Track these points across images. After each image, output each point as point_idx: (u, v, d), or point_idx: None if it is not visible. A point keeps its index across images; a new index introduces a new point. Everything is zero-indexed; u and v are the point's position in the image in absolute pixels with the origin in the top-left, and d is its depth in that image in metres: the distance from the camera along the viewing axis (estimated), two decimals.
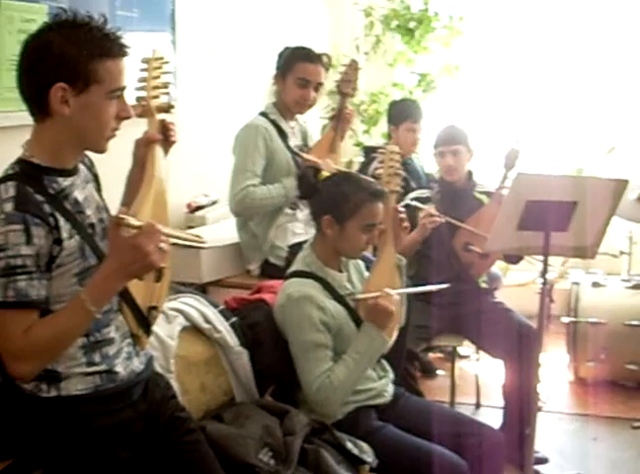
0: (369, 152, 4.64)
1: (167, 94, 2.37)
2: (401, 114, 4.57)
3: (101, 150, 2.06)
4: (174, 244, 2.15)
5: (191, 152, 4.11)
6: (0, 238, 1.85)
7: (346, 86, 3.96)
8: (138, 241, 1.87)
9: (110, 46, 1.96)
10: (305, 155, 3.74)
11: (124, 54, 2.00)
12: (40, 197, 1.91)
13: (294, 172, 3.74)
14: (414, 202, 3.71)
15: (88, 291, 1.91)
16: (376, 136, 5.73)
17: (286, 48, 3.92)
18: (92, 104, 1.95)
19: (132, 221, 1.89)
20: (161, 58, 2.33)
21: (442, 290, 2.98)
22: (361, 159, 4.90)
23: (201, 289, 3.68)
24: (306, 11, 5.84)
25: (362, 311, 2.81)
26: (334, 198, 2.78)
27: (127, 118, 2.04)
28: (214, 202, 4.44)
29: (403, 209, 3.04)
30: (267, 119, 3.81)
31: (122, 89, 2.01)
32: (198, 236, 2.27)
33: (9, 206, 1.86)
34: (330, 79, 4.23)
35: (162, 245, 1.91)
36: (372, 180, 2.94)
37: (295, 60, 3.78)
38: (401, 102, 4.91)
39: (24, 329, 1.87)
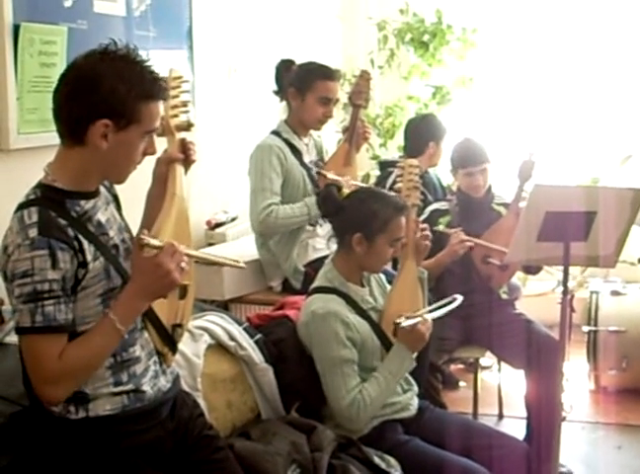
0: (385, 166, 4.64)
1: (187, 112, 2.38)
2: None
3: (121, 182, 2.10)
4: (213, 263, 2.20)
5: (210, 169, 4.13)
6: (26, 264, 1.85)
7: (357, 97, 3.94)
8: (159, 260, 1.92)
9: (157, 90, 1.99)
10: (329, 174, 3.67)
11: (165, 98, 2.06)
12: (63, 221, 1.92)
13: (312, 190, 3.75)
14: (442, 228, 3.70)
15: (115, 311, 1.94)
16: (393, 150, 5.74)
17: (285, 61, 3.92)
18: (128, 141, 1.97)
19: (153, 242, 1.94)
20: (179, 77, 2.34)
21: (462, 303, 2.98)
22: (378, 173, 4.90)
23: (224, 306, 3.70)
24: (320, 26, 5.87)
25: (385, 326, 2.83)
26: (362, 216, 2.78)
27: (152, 154, 2.09)
28: (234, 219, 4.46)
29: (424, 224, 3.07)
30: (279, 138, 3.79)
31: (156, 130, 2.05)
32: (236, 261, 2.25)
33: (33, 232, 1.86)
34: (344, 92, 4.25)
35: (183, 264, 1.96)
36: (393, 193, 2.96)
37: (316, 79, 3.74)
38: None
39: (56, 353, 1.88)
